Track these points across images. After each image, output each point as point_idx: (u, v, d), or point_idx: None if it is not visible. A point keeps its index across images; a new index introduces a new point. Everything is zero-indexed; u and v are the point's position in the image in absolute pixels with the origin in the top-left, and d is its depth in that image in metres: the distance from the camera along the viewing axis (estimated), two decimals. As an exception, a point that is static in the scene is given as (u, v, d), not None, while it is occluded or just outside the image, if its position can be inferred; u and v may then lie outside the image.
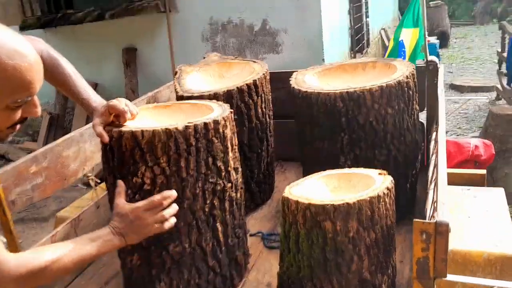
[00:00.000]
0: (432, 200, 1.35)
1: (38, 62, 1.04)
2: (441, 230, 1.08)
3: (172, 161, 1.40)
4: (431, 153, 1.89)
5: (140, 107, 1.70)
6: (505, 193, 2.06)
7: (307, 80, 1.94)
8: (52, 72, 1.46)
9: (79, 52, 5.13)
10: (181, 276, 1.49)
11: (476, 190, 2.09)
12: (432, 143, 1.96)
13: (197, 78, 2.20)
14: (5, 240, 1.56)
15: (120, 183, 1.40)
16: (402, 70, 1.82)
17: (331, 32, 4.49)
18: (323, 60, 4.12)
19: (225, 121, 1.51)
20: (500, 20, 10.80)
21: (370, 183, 1.38)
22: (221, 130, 1.49)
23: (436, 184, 1.33)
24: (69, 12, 5.31)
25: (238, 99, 1.92)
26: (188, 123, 1.42)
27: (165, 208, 1.34)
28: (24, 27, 5.28)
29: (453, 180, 2.08)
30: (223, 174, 1.50)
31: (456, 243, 1.66)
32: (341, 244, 1.25)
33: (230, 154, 1.55)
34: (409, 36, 2.44)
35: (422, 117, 2.13)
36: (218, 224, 1.51)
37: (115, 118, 1.46)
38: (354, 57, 5.31)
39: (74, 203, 2.88)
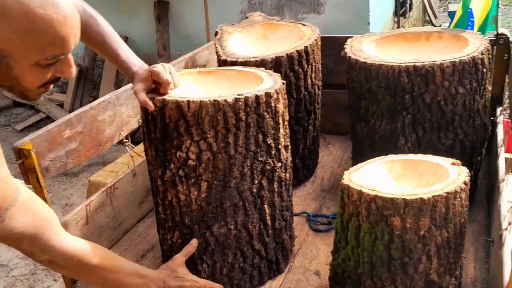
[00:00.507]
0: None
1: (75, 16, 0.91)
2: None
3: (219, 137, 1.28)
4: (498, 139, 1.71)
5: (182, 71, 1.57)
6: None
7: (365, 49, 1.75)
8: (87, 31, 1.33)
9: (109, 2, 4.95)
10: (225, 259, 1.39)
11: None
12: (499, 126, 1.78)
13: (240, 40, 2.03)
14: None
15: (194, 244, 1.37)
16: (475, 44, 1.61)
17: (377, -6, 4.19)
18: (368, 24, 3.85)
19: (277, 94, 1.36)
20: None
21: (442, 174, 1.22)
22: (273, 104, 1.34)
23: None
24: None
25: (287, 67, 1.75)
26: (238, 95, 1.28)
27: None
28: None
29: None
30: (273, 152, 1.37)
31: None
32: (410, 242, 1.11)
33: (281, 130, 1.41)
34: (480, 4, 2.17)
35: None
36: (265, 206, 1.39)
37: (156, 84, 1.34)
38: (398, 21, 5.00)
39: (107, 166, 2.79)
